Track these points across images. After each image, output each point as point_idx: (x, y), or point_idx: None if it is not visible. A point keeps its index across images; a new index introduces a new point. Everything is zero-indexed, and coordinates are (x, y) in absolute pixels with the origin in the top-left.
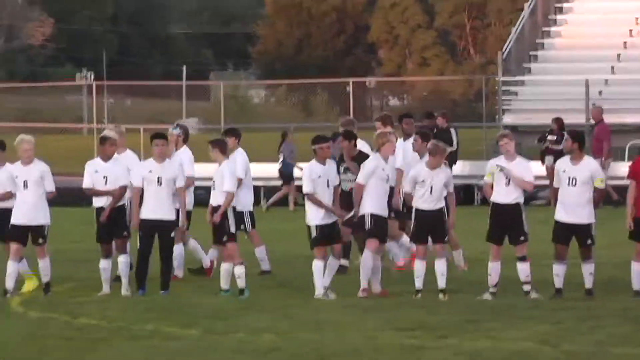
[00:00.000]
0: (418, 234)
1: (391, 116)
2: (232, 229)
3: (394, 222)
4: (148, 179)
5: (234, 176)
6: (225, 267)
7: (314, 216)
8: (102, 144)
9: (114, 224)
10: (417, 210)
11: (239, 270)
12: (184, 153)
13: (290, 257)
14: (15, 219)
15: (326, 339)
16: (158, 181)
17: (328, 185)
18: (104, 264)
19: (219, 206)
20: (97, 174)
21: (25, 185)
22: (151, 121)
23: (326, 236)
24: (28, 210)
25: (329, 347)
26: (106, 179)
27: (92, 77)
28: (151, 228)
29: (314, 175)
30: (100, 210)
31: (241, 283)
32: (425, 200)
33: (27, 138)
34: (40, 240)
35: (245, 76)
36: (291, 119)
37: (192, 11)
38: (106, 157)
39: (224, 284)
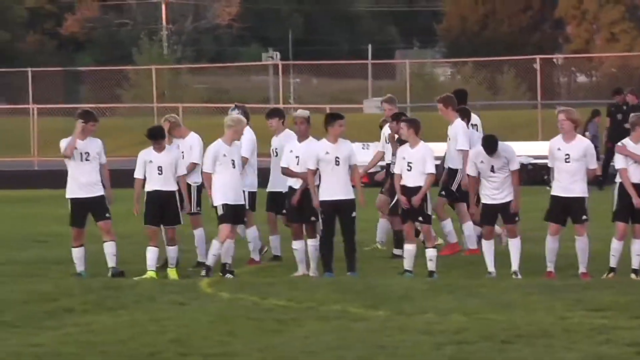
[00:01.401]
0: (621, 212)
1: (453, 97)
2: (429, 210)
3: (462, 205)
4: (325, 160)
5: (433, 158)
6: (409, 247)
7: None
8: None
9: (304, 207)
10: (622, 187)
11: (431, 252)
12: (247, 133)
13: None
14: (228, 199)
15: (515, 320)
16: (335, 161)
17: (493, 170)
18: (296, 244)
19: (418, 187)
20: (291, 154)
21: (233, 164)
22: (336, 100)
23: (491, 215)
24: (239, 188)
25: (518, 327)
26: (298, 160)
27: (278, 56)
28: (332, 209)
29: (477, 160)
30: (292, 190)
31: (431, 265)
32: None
33: (244, 119)
34: (245, 219)
35: (431, 54)
36: (477, 96)
37: None
38: (301, 137)
39: (408, 264)
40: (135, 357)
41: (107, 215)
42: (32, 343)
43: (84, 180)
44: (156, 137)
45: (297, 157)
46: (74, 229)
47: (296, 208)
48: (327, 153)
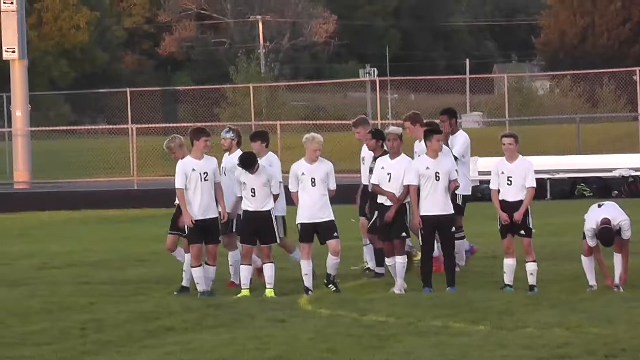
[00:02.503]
0: None
1: (419, 114)
2: (531, 224)
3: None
4: (426, 175)
5: (534, 171)
6: (508, 262)
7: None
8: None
9: (394, 224)
10: None
11: (532, 266)
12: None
13: (577, 250)
14: (303, 218)
15: (618, 333)
16: (436, 176)
17: None
18: (390, 261)
19: (519, 201)
20: (382, 171)
21: (313, 182)
22: (435, 116)
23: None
24: (315, 207)
25: (621, 342)
26: (390, 176)
27: (376, 72)
28: (431, 224)
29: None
30: (383, 207)
31: (532, 280)
32: None
33: (318, 137)
34: (335, 235)
35: (529, 67)
36: (576, 110)
37: (474, 3)
38: (393, 154)
39: (508, 279)
40: None
41: (219, 239)
42: None
43: (202, 202)
44: (249, 166)
45: (388, 174)
46: (193, 246)
47: (388, 225)
48: (428, 168)
